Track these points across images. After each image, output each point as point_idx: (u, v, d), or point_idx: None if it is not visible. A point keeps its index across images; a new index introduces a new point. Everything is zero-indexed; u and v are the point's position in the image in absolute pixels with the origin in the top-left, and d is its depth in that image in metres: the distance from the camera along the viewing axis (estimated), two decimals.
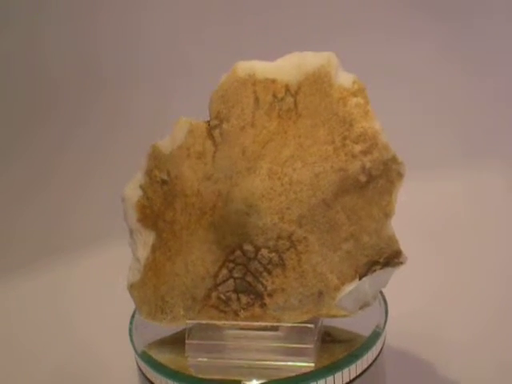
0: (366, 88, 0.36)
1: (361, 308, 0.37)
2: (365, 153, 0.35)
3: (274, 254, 0.36)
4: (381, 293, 0.41)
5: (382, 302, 0.40)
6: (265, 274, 0.36)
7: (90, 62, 0.63)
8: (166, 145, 0.39)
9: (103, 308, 0.44)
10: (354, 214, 0.35)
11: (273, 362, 0.36)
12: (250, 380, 0.35)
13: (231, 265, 0.37)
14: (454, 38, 0.65)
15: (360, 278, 0.36)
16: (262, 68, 0.37)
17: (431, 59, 0.65)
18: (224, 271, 0.37)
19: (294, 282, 0.36)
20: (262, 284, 0.36)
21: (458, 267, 0.53)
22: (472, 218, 0.58)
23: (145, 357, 0.38)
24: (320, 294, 0.36)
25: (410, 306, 0.42)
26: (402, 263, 0.37)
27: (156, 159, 0.39)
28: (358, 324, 0.38)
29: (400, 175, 0.35)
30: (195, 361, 0.37)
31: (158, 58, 0.65)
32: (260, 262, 0.36)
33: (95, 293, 0.53)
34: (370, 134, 0.35)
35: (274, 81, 0.37)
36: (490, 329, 0.47)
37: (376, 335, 0.38)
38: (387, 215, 0.35)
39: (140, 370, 0.39)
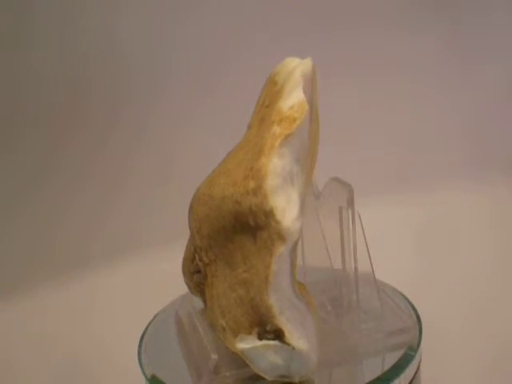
0: (298, 119, 0.28)
1: (282, 378, 0.31)
2: (253, 193, 0.28)
3: (201, 264, 0.33)
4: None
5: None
6: (204, 281, 0.34)
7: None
8: None
9: (130, 322, 0.42)
10: (247, 259, 0.30)
11: None
12: None
13: (198, 257, 0.35)
14: (454, 35, 0.61)
15: (259, 339, 0.31)
16: (283, 66, 0.33)
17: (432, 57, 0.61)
18: (196, 261, 0.36)
19: (209, 301, 0.33)
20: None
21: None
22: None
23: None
24: (223, 329, 0.32)
25: None
26: (293, 348, 0.29)
27: None
28: None
29: (281, 238, 0.27)
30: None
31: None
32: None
33: (122, 305, 0.51)
34: (261, 173, 0.28)
35: (275, 84, 0.32)
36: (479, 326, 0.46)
37: None
38: (266, 280, 0.29)
39: None
